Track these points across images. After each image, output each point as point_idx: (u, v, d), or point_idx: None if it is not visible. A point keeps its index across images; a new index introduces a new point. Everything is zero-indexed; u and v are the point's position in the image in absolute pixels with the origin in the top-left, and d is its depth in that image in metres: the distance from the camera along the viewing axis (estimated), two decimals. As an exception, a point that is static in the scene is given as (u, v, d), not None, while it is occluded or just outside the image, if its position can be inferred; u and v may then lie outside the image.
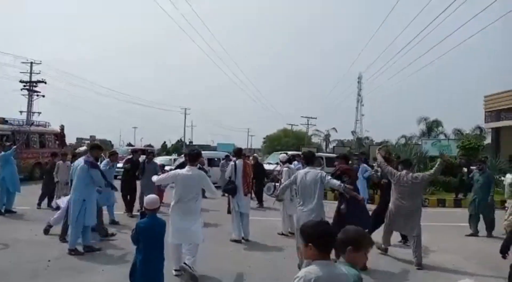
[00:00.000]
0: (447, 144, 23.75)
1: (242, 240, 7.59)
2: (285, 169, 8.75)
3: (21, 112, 35.23)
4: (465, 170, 15.36)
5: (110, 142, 64.86)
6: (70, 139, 48.56)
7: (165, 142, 70.48)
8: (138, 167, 10.52)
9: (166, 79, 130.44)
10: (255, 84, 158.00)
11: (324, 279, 2.05)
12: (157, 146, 67.54)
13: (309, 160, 6.21)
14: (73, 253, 6.20)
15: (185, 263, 5.16)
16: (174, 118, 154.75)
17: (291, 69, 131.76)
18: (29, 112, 35.97)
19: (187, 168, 5.54)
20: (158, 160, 20.53)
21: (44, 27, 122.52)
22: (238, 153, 8.28)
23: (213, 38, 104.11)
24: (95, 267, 5.67)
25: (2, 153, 9.95)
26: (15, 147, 10.38)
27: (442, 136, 39.39)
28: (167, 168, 16.65)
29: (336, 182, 5.69)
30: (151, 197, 4.08)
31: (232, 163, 8.13)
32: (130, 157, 11.49)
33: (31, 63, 36.96)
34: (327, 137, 61.32)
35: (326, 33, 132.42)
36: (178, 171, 5.64)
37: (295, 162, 11.87)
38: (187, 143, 59.21)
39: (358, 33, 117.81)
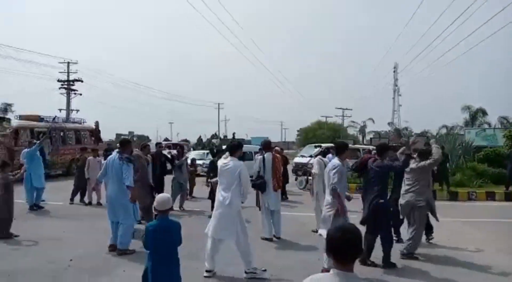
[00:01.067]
0: (493, 133, 22.37)
1: (274, 238, 7.14)
2: (316, 159, 8.19)
3: (60, 110, 36.29)
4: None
5: (147, 137, 66.19)
6: (109, 135, 49.95)
7: (200, 136, 71.08)
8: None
9: (201, 75, 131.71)
10: (288, 77, 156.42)
11: None
12: (193, 140, 68.33)
13: (339, 150, 5.71)
14: (128, 252, 5.96)
15: (246, 272, 5.09)
16: (209, 113, 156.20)
17: (324, 60, 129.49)
18: (68, 110, 36.99)
19: (227, 158, 5.47)
20: (193, 154, 20.45)
21: (77, 27, 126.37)
22: (267, 145, 7.80)
23: (245, 34, 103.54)
24: (117, 268, 5.38)
25: (27, 149, 9.98)
26: (38, 142, 10.33)
27: (486, 126, 37.17)
28: (199, 162, 16.52)
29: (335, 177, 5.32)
30: (162, 196, 3.64)
31: (260, 156, 7.66)
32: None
33: (68, 63, 37.98)
34: (363, 129, 59.60)
35: (359, 23, 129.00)
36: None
37: (329, 155, 11.38)
38: (221, 137, 59.30)
39: (392, 21, 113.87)
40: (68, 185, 11.38)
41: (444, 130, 39.61)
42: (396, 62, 58.13)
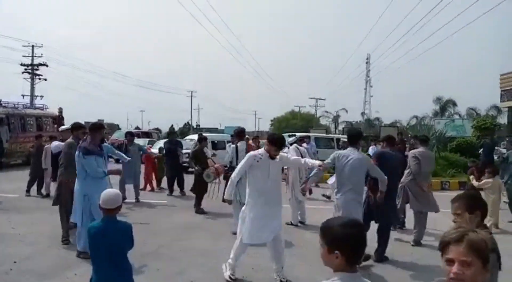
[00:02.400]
0: (461, 124, 22.80)
1: None
2: (292, 147, 7.76)
3: (23, 96, 34.47)
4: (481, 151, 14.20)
5: (117, 125, 64.16)
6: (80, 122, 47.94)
7: (172, 125, 69.70)
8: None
9: (173, 62, 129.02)
10: (262, 66, 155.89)
11: None
12: (164, 129, 66.83)
13: (353, 139, 5.13)
14: (82, 256, 5.04)
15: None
16: (181, 101, 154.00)
17: (298, 50, 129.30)
18: (32, 95, 35.18)
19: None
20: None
21: (46, 10, 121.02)
22: (240, 134, 7.18)
23: (220, 19, 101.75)
24: (67, 270, 4.74)
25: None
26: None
27: (456, 117, 37.91)
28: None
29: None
30: (108, 192, 2.99)
31: (233, 145, 7.11)
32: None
33: (33, 46, 36.02)
34: (336, 119, 59.98)
35: (333, 13, 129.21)
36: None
37: (304, 144, 11.11)
38: (194, 126, 58.33)
39: (366, 12, 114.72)
40: (27, 175, 10.53)
41: (414, 121, 40.14)
42: (369, 53, 58.56)
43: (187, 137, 19.37)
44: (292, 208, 7.37)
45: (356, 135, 5.23)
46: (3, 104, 16.82)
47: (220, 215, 7.90)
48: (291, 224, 7.29)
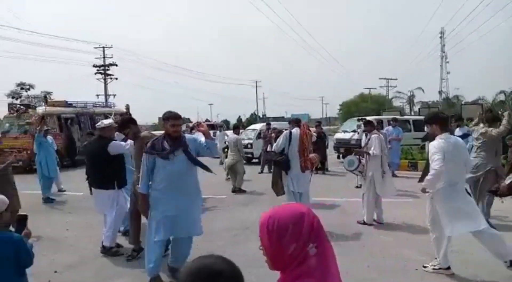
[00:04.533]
0: None
1: None
2: (376, 136, 6.51)
3: (98, 95, 36.33)
4: None
5: (188, 119, 66.06)
6: (152, 119, 50.08)
7: (239, 116, 70.34)
8: None
9: (237, 54, 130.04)
10: (328, 50, 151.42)
11: None
12: (232, 120, 67.63)
13: (444, 123, 4.36)
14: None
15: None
16: (248, 92, 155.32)
17: (364, 29, 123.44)
18: (106, 95, 36.99)
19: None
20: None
21: (113, 13, 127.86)
22: (296, 122, 6.42)
23: (282, 7, 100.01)
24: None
25: (36, 135, 9.22)
26: (44, 129, 9.44)
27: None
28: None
29: None
30: None
31: (287, 131, 6.32)
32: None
33: (103, 47, 37.77)
34: (410, 99, 56.03)
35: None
36: None
37: (389, 127, 10.33)
38: (261, 116, 58.14)
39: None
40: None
41: (502, 97, 35.98)
42: (443, 28, 53.72)
43: (249, 127, 18.81)
44: (366, 204, 6.33)
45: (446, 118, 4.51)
46: (73, 104, 17.45)
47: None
48: (364, 223, 6.27)
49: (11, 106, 17.12)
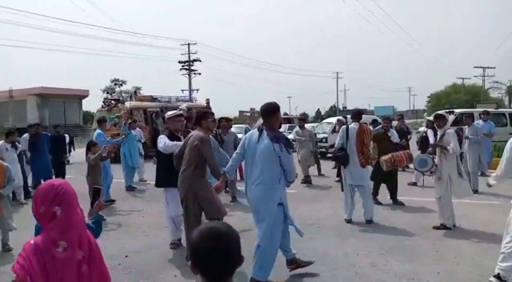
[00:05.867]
0: None
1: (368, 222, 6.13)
2: (450, 131, 5.92)
3: (182, 90, 38.21)
4: None
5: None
6: (233, 112, 51.60)
7: (318, 109, 69.45)
8: None
9: (317, 46, 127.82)
10: (416, 38, 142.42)
11: None
12: (311, 113, 66.98)
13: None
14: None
15: None
16: (328, 84, 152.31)
17: (456, 15, 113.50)
18: (190, 89, 38.77)
19: None
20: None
21: (196, 11, 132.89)
22: (356, 114, 6.48)
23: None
24: (168, 270, 4.44)
25: (122, 128, 9.90)
26: (128, 122, 10.10)
27: None
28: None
29: None
30: None
31: (344, 126, 6.35)
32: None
33: (188, 44, 39.57)
34: (510, 90, 50.41)
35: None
36: None
37: (479, 121, 10.24)
38: (341, 109, 56.65)
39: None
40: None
41: None
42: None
43: (324, 120, 18.42)
44: (443, 207, 5.79)
45: None
46: (158, 99, 18.54)
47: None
48: (445, 227, 5.73)
49: (104, 100, 18.75)
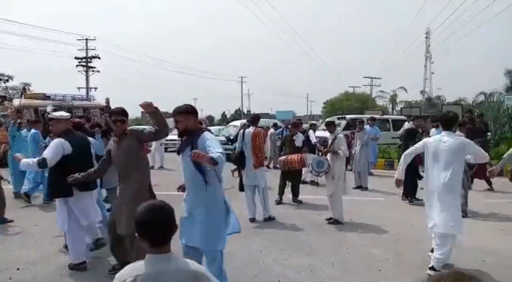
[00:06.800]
0: (540, 99, 19.88)
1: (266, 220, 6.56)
2: (341, 135, 6.64)
3: (79, 88, 35.74)
4: None
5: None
6: (136, 113, 49.34)
7: (224, 112, 70.20)
8: None
9: (222, 50, 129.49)
10: (313, 47, 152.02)
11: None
12: (217, 116, 67.40)
13: (448, 123, 4.49)
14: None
15: None
16: (233, 88, 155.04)
17: (350, 27, 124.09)
18: (87, 88, 36.43)
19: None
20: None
21: (97, 7, 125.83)
22: (253, 120, 7.14)
23: (268, 4, 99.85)
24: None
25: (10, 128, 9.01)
26: (17, 121, 9.25)
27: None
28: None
29: None
30: None
31: (241, 130, 7.05)
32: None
33: (86, 39, 37.16)
34: (393, 99, 56.68)
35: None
36: None
37: (367, 126, 11.15)
38: (245, 112, 58.05)
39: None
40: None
41: (481, 98, 36.65)
42: (429, 27, 54.32)
43: (230, 123, 18.81)
44: (340, 203, 6.38)
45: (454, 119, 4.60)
46: (51, 97, 17.14)
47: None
48: (337, 222, 6.31)
49: (-14, 97, 16.75)
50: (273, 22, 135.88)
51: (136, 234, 1.69)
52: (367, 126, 11.78)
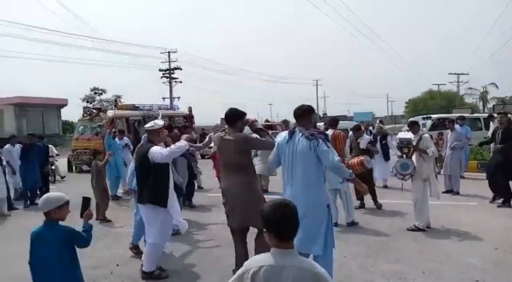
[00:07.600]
0: None
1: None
2: (427, 136, 6.22)
3: (163, 98, 38.02)
4: None
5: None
6: (215, 120, 51.32)
7: (300, 116, 69.87)
8: None
9: (297, 54, 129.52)
10: (392, 45, 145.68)
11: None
12: (293, 120, 67.25)
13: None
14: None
15: None
16: (307, 91, 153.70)
17: (430, 22, 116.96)
18: (171, 97, 38.64)
19: None
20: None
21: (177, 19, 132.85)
22: (332, 122, 6.85)
23: (344, 6, 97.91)
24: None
25: (106, 137, 9.84)
26: (112, 131, 10.07)
27: None
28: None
29: None
30: (47, 194, 3.02)
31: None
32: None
33: (169, 52, 39.51)
34: (483, 96, 52.08)
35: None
36: None
37: (456, 126, 9.88)
38: (321, 115, 57.28)
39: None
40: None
41: None
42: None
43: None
44: (426, 208, 5.96)
45: None
46: (140, 107, 18.44)
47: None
48: (418, 229, 5.88)
49: (85, 110, 18.54)
50: (345, 21, 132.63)
51: (264, 229, 1.82)
52: (456, 126, 11.00)
